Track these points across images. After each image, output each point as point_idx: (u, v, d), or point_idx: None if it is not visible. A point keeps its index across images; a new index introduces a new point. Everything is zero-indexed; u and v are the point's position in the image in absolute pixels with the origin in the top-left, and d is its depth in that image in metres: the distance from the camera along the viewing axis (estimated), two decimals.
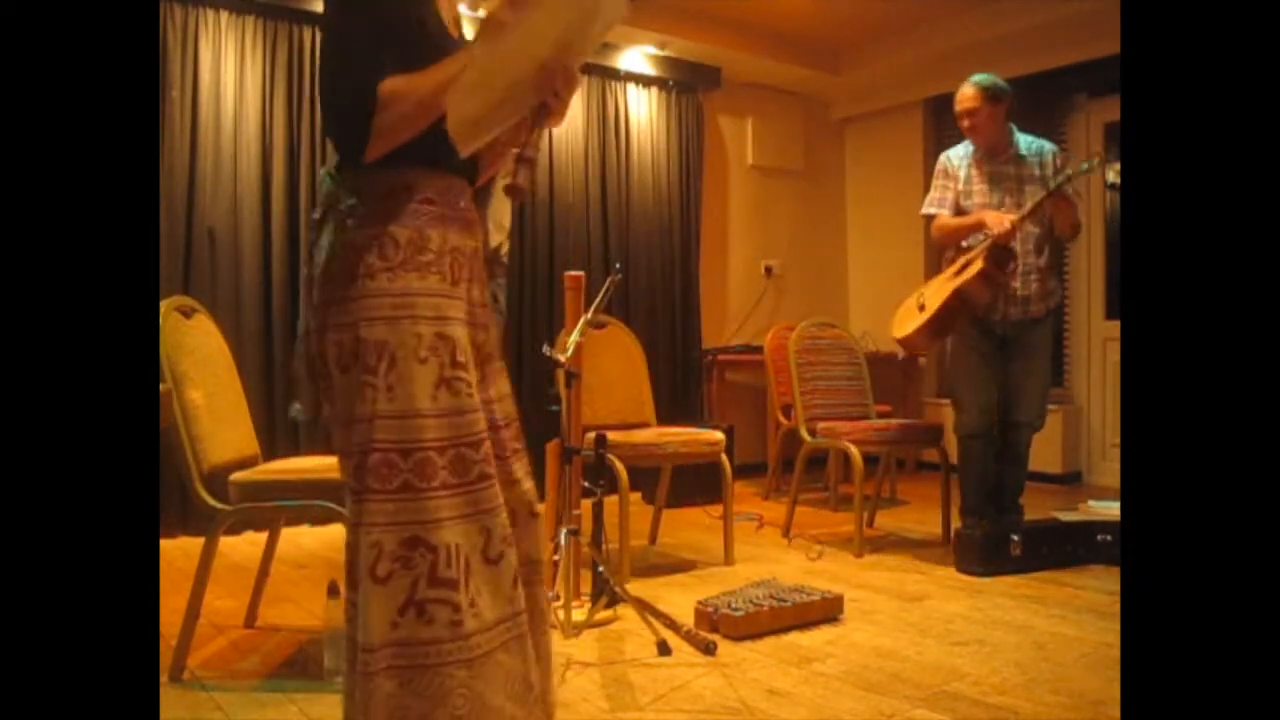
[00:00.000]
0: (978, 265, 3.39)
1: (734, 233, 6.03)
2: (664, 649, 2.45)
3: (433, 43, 1.45)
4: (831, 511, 4.61)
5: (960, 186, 3.62)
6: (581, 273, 3.04)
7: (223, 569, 3.08)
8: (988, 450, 3.61)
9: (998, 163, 3.56)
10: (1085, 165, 3.33)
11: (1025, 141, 3.59)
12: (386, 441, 1.36)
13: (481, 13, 4.65)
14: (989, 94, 3.50)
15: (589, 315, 2.86)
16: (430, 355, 1.39)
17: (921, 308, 3.54)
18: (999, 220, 3.36)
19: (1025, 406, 3.56)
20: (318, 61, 1.44)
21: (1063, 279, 3.65)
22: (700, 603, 2.70)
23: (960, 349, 3.64)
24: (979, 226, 3.45)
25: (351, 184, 1.42)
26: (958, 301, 3.44)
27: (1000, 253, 3.37)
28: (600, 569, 2.74)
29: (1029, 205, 3.39)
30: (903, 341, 3.64)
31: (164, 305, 2.40)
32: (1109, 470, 5.31)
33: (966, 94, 3.54)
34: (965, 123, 3.57)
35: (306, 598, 2.98)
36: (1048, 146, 3.60)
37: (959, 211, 3.61)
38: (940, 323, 3.48)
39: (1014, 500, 3.68)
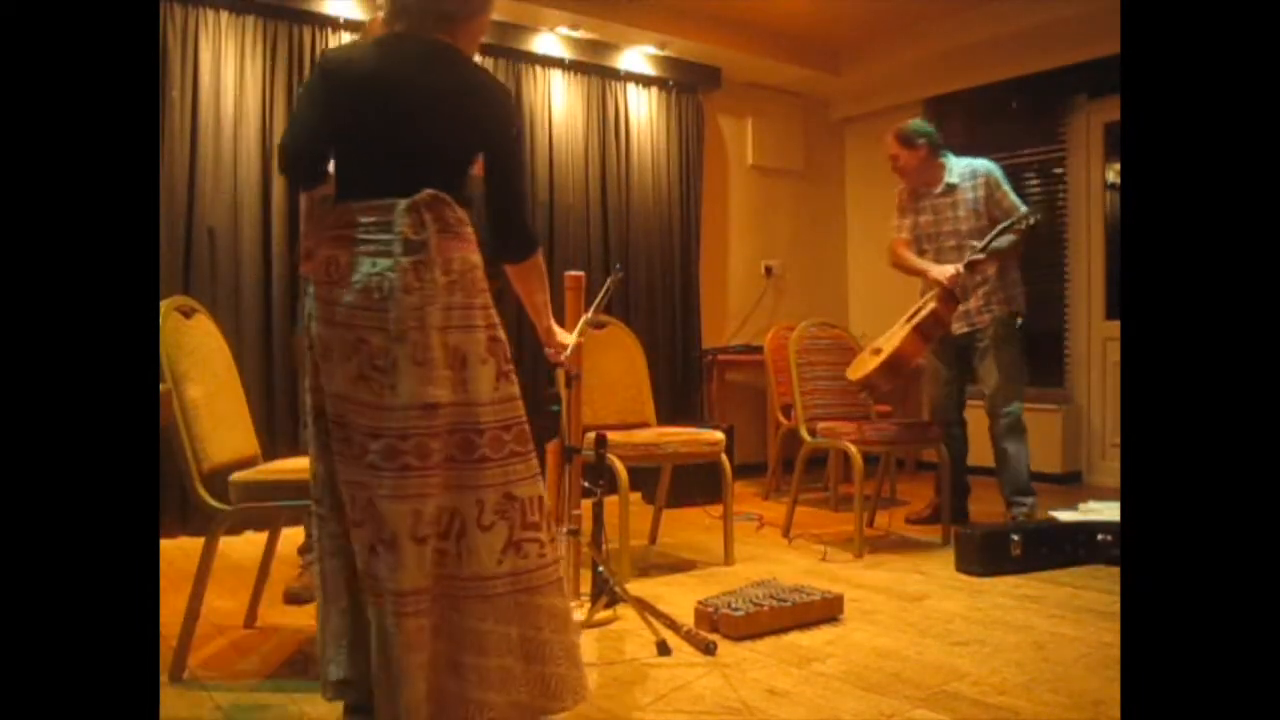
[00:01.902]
0: (930, 306, 3.72)
1: (734, 233, 6.03)
2: (664, 649, 2.45)
3: None
4: (831, 511, 4.61)
5: (910, 217, 4.01)
6: (581, 273, 3.03)
7: (223, 569, 3.08)
8: (950, 441, 3.95)
9: (932, 196, 3.92)
10: (1010, 223, 3.70)
11: (960, 167, 3.88)
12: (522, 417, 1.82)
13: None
14: (902, 139, 3.90)
15: (589, 315, 2.86)
16: None
17: (877, 352, 3.76)
18: (942, 271, 3.73)
19: (988, 402, 3.87)
20: (498, 178, 1.93)
21: (1018, 284, 3.92)
22: (700, 603, 2.70)
23: (927, 360, 4.05)
24: (925, 277, 3.84)
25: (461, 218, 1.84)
26: (916, 339, 3.68)
27: (948, 295, 3.73)
28: (600, 569, 2.74)
29: (967, 257, 3.73)
30: (860, 382, 3.79)
31: (164, 305, 2.39)
32: (1109, 470, 5.31)
33: (886, 142, 3.95)
34: (891, 166, 3.97)
35: None
36: (980, 169, 3.86)
37: (915, 237, 4.00)
38: (898, 360, 3.67)
39: (1009, 495, 3.89)
